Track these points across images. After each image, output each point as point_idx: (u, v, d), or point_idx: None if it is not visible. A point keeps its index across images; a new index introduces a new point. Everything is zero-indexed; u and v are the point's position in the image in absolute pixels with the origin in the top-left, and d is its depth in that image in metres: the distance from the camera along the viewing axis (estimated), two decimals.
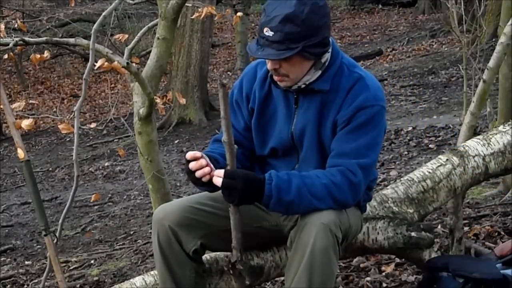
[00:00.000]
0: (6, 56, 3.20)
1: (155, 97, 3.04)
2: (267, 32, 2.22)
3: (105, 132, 11.07)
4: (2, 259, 5.53)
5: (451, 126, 6.77)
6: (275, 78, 2.33)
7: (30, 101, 13.74)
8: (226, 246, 2.47)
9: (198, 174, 2.22)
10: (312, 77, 2.31)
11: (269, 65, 2.30)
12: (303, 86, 2.33)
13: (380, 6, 20.40)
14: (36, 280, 4.62)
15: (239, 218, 2.23)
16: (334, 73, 2.33)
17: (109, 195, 7.15)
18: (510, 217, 3.80)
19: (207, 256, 2.56)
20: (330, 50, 2.33)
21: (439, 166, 2.84)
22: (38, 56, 3.01)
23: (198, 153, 2.24)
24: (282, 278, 3.27)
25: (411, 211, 2.75)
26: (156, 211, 2.44)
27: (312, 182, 2.23)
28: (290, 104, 2.38)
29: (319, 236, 2.16)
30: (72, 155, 2.88)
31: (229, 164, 2.18)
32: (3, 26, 3.10)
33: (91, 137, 11.05)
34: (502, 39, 3.19)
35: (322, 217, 2.20)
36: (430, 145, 6.26)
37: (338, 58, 2.35)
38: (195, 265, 2.40)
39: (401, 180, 2.87)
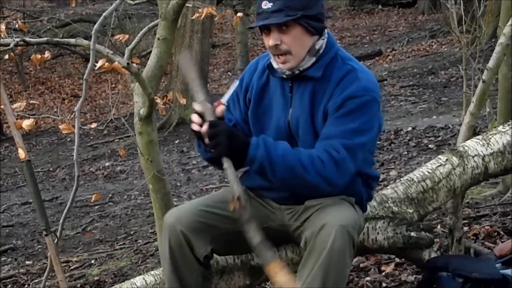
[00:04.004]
0: (7, 57, 3.20)
1: (155, 97, 3.05)
2: (266, 5, 2.29)
3: (105, 132, 11.08)
4: (3, 259, 5.54)
5: (451, 126, 6.77)
6: (278, 60, 2.35)
7: (31, 101, 13.74)
8: (234, 250, 2.51)
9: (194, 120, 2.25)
10: (307, 63, 2.36)
11: (271, 41, 2.33)
12: (297, 72, 2.36)
13: (379, 6, 20.39)
14: (37, 280, 4.62)
15: (233, 170, 2.20)
16: (328, 62, 2.37)
17: (110, 195, 7.15)
18: (509, 217, 3.81)
19: None
20: (325, 38, 2.38)
21: (438, 166, 2.85)
22: (38, 56, 3.01)
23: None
24: None
25: (410, 211, 2.76)
26: (167, 216, 2.44)
27: (298, 149, 2.28)
28: (286, 93, 2.42)
29: (338, 238, 2.19)
30: (73, 155, 2.88)
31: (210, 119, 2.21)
32: (3, 27, 3.11)
33: (91, 137, 11.06)
34: (502, 39, 3.20)
35: (341, 218, 2.23)
36: (430, 145, 6.27)
37: (333, 48, 2.39)
38: (203, 269, 2.42)
39: (400, 180, 2.87)
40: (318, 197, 2.35)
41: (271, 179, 2.28)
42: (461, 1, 4.31)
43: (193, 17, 3.54)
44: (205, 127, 2.22)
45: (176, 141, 9.55)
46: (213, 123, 2.22)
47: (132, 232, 5.50)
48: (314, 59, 2.36)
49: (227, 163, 2.20)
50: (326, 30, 2.40)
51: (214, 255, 2.49)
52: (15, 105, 2.85)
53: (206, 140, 2.23)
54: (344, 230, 2.21)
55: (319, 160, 2.25)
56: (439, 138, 6.47)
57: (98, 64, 2.82)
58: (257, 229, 2.13)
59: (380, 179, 5.09)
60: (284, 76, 2.40)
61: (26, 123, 2.77)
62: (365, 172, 2.46)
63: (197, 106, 2.26)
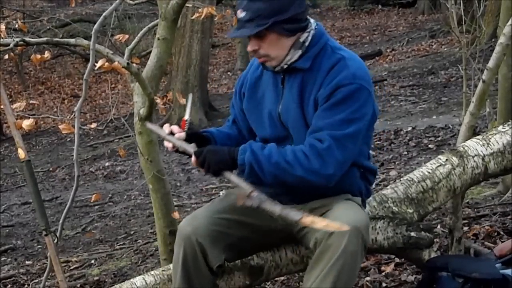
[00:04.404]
0: (6, 57, 3.21)
1: (155, 97, 3.05)
2: (240, 14, 2.32)
3: (105, 132, 11.08)
4: (2, 259, 5.54)
5: (451, 126, 6.77)
6: (259, 60, 2.41)
7: (31, 101, 13.75)
8: (243, 255, 2.54)
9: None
10: (293, 57, 2.37)
11: (249, 47, 2.38)
12: (285, 66, 2.38)
13: (379, 6, 20.37)
14: (36, 280, 4.62)
15: (235, 175, 2.32)
16: (317, 53, 2.38)
17: (110, 195, 7.15)
18: (509, 217, 3.80)
19: None
20: (311, 30, 2.38)
21: (438, 166, 2.85)
22: (38, 56, 3.02)
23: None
24: (282, 278, 3.28)
25: (410, 211, 2.76)
26: (183, 225, 2.44)
27: (284, 148, 2.33)
28: (278, 85, 2.44)
29: (351, 240, 2.21)
30: (73, 155, 2.88)
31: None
32: (3, 27, 3.11)
33: (91, 137, 11.06)
34: (502, 39, 3.20)
35: (354, 220, 2.24)
36: (430, 145, 6.27)
37: (321, 39, 2.39)
38: (213, 278, 2.44)
39: (400, 180, 2.87)
40: (321, 195, 2.37)
41: (262, 179, 2.32)
42: (461, 1, 4.32)
43: (193, 17, 3.54)
44: (193, 159, 2.35)
45: None
46: (196, 153, 2.34)
47: (132, 232, 5.50)
48: (300, 52, 2.37)
49: (226, 174, 2.32)
50: (312, 22, 2.40)
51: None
52: (15, 105, 2.85)
53: (201, 170, 2.37)
54: (358, 232, 2.22)
55: (302, 154, 2.29)
56: (439, 138, 6.47)
57: (98, 64, 2.82)
58: (272, 202, 2.18)
59: (380, 179, 5.14)
60: (275, 70, 2.42)
61: (26, 123, 2.77)
62: (361, 163, 2.45)
63: (170, 146, 2.44)
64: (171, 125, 2.46)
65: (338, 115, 2.29)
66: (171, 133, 2.43)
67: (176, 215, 3.21)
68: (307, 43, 2.37)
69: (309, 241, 2.32)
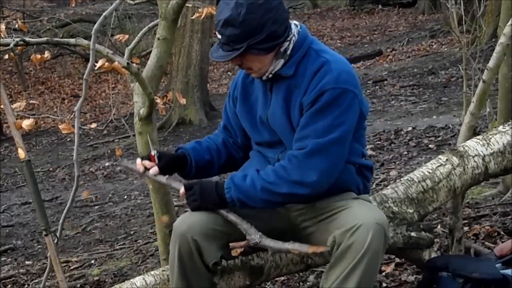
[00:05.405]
0: (6, 56, 3.21)
1: (155, 97, 3.05)
2: (218, 35, 2.34)
3: (105, 132, 11.08)
4: (2, 259, 5.54)
5: (451, 126, 6.77)
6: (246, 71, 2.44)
7: (31, 101, 13.75)
8: (244, 254, 2.52)
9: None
10: (275, 66, 2.37)
11: (232, 62, 2.40)
12: (270, 75, 2.39)
13: (380, 6, 20.38)
14: (36, 280, 4.62)
15: (231, 212, 2.36)
16: (300, 58, 2.37)
17: (110, 195, 7.15)
18: (509, 217, 3.81)
19: None
20: (292, 37, 2.37)
21: (439, 166, 2.85)
22: (38, 56, 3.02)
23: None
24: (282, 278, 3.28)
25: (411, 211, 2.76)
26: (178, 223, 2.44)
27: (264, 172, 2.34)
28: (267, 92, 2.45)
29: (375, 238, 2.21)
30: (73, 155, 2.89)
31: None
32: (3, 27, 3.11)
33: (91, 137, 11.06)
34: (502, 39, 3.20)
35: (375, 217, 2.25)
36: (430, 145, 6.26)
37: (304, 43, 2.39)
38: (210, 276, 2.44)
39: (401, 180, 2.87)
40: (323, 193, 2.37)
41: (256, 206, 2.35)
42: (461, 1, 4.32)
43: (193, 17, 3.54)
44: (181, 191, 2.40)
45: (176, 141, 9.56)
46: (187, 187, 2.40)
47: (132, 232, 5.50)
48: (282, 60, 2.37)
49: (223, 213, 2.36)
50: (294, 27, 2.38)
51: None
52: (15, 105, 2.85)
53: (187, 202, 2.42)
54: (381, 229, 2.23)
55: (281, 168, 2.32)
56: (439, 138, 6.46)
57: (98, 64, 2.82)
58: (273, 241, 2.28)
59: (380, 179, 5.14)
60: (262, 79, 2.43)
61: (26, 123, 2.77)
62: (353, 161, 2.45)
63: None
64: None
65: (322, 121, 2.29)
66: (146, 169, 2.48)
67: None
68: (288, 51, 2.37)
69: (322, 239, 2.31)
